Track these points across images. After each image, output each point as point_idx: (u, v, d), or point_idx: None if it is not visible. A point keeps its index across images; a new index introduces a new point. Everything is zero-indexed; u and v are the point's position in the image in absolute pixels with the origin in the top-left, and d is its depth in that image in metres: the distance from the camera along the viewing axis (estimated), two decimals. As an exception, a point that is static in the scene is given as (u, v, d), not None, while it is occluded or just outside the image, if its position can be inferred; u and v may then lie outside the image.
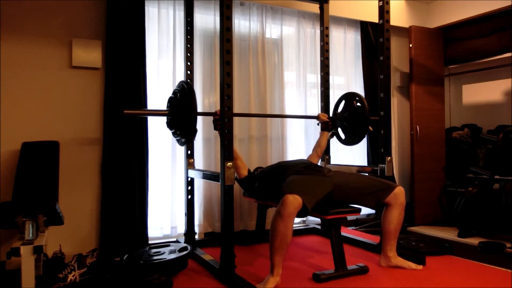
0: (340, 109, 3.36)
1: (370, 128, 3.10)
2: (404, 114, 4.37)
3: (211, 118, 3.34)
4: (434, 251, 2.85)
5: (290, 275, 2.39)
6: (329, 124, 3.25)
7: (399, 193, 2.48)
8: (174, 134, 2.67)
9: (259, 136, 3.56)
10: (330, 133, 3.38)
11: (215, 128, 2.63)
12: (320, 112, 3.54)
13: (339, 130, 3.39)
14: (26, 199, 2.37)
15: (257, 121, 3.54)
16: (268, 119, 3.57)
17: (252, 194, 2.95)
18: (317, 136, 3.65)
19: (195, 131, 2.47)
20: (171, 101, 2.62)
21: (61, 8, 2.88)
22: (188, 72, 3.14)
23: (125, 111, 2.49)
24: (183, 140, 2.58)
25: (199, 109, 3.32)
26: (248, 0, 3.51)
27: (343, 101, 3.33)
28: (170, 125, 2.64)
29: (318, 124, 3.35)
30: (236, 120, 3.31)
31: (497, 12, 3.78)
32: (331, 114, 3.57)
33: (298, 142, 3.83)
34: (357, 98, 3.18)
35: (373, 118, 3.05)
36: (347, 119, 3.26)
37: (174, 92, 2.61)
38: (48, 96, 2.84)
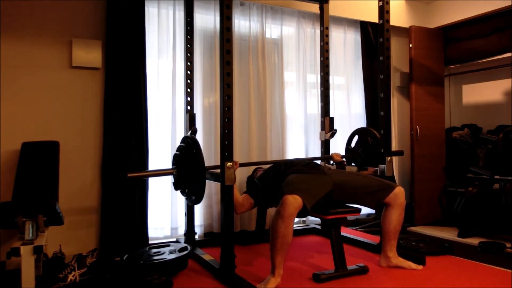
0: (353, 144, 3.31)
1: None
2: (404, 114, 4.37)
3: (211, 114, 3.36)
4: (434, 251, 2.85)
5: (290, 275, 2.39)
6: (343, 163, 3.15)
7: (399, 193, 2.48)
8: (182, 193, 2.54)
9: (259, 135, 3.56)
10: (330, 133, 3.37)
11: None
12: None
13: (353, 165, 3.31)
14: (26, 199, 2.37)
15: (257, 122, 3.54)
16: (268, 118, 3.56)
17: (260, 203, 2.94)
18: (317, 137, 3.67)
19: (205, 188, 2.35)
20: (176, 158, 2.51)
21: (61, 8, 2.88)
22: (188, 72, 3.14)
23: (128, 175, 2.36)
24: (193, 198, 2.42)
25: (199, 109, 3.32)
26: (248, 0, 3.51)
27: (356, 136, 3.27)
28: (176, 184, 2.51)
29: (333, 164, 3.29)
30: (235, 117, 3.31)
31: (497, 12, 3.78)
32: (331, 114, 3.58)
33: (298, 143, 3.82)
34: (371, 134, 3.11)
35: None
36: (361, 156, 3.19)
37: (179, 149, 2.51)
38: (48, 96, 2.84)
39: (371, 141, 3.11)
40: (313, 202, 2.28)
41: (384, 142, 2.87)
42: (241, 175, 3.31)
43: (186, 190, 2.46)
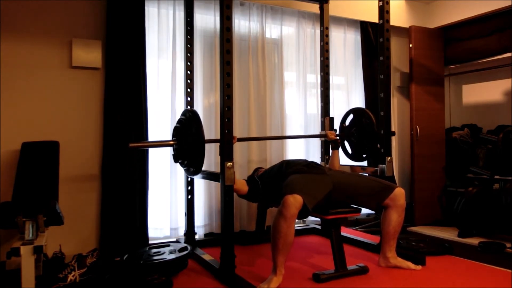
0: (347, 122, 3.32)
1: (378, 145, 3.05)
2: (404, 114, 4.37)
3: (211, 114, 3.36)
4: (434, 251, 2.85)
5: (290, 275, 2.39)
6: (338, 142, 3.19)
7: (399, 194, 2.47)
8: (181, 164, 2.57)
9: (259, 135, 3.56)
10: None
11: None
12: (327, 130, 3.42)
13: (346, 144, 3.33)
14: (26, 199, 2.37)
15: (257, 121, 3.54)
16: (268, 118, 3.56)
17: (259, 201, 2.93)
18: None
19: (204, 159, 2.39)
20: (176, 130, 2.54)
21: (61, 8, 2.89)
22: (188, 72, 3.14)
23: (130, 145, 2.41)
24: (192, 170, 2.47)
25: (199, 109, 3.32)
26: (248, 0, 3.51)
27: (351, 115, 3.28)
28: (176, 156, 2.54)
29: (325, 141, 3.28)
30: (235, 118, 3.31)
31: (497, 12, 3.78)
32: (331, 114, 3.58)
33: (298, 143, 3.82)
34: (366, 115, 3.12)
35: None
36: (355, 135, 3.21)
37: (180, 121, 2.54)
38: (48, 96, 2.84)
39: (365, 122, 3.12)
40: (314, 202, 2.28)
41: (384, 142, 2.88)
42: (242, 175, 3.31)
43: (186, 161, 2.49)
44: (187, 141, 2.44)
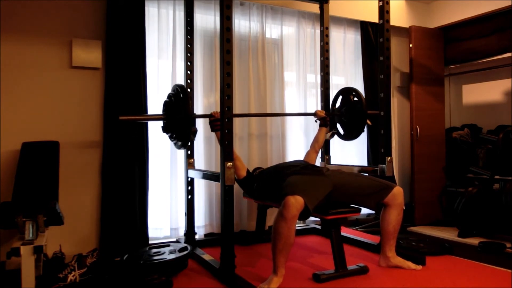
0: (337, 105, 3.39)
1: (369, 122, 3.11)
2: (404, 114, 4.37)
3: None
4: (434, 251, 2.85)
5: (290, 275, 2.39)
6: (327, 119, 3.24)
7: (398, 193, 2.48)
8: (170, 138, 2.64)
9: (259, 135, 3.56)
10: (330, 133, 3.38)
11: (212, 130, 2.64)
12: (317, 109, 3.54)
13: (338, 125, 3.39)
14: (26, 199, 2.37)
15: (257, 121, 3.54)
16: (268, 118, 3.57)
17: (250, 194, 2.95)
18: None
19: (191, 134, 2.44)
20: (166, 105, 2.60)
21: (61, 8, 2.89)
22: (188, 72, 3.14)
23: (120, 117, 2.44)
24: (180, 143, 2.55)
25: (200, 109, 3.32)
26: (248, 0, 3.51)
27: (340, 97, 3.35)
28: (166, 129, 2.62)
29: (316, 121, 3.34)
30: (236, 119, 3.31)
31: (497, 12, 3.78)
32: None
33: (298, 142, 3.82)
34: (353, 93, 3.20)
35: (371, 112, 3.07)
36: (344, 114, 3.28)
37: (169, 96, 2.59)
38: (48, 96, 2.84)
39: (353, 100, 3.18)
40: (315, 203, 2.28)
41: (384, 142, 2.88)
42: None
43: (174, 135, 2.56)
44: (175, 116, 2.50)
